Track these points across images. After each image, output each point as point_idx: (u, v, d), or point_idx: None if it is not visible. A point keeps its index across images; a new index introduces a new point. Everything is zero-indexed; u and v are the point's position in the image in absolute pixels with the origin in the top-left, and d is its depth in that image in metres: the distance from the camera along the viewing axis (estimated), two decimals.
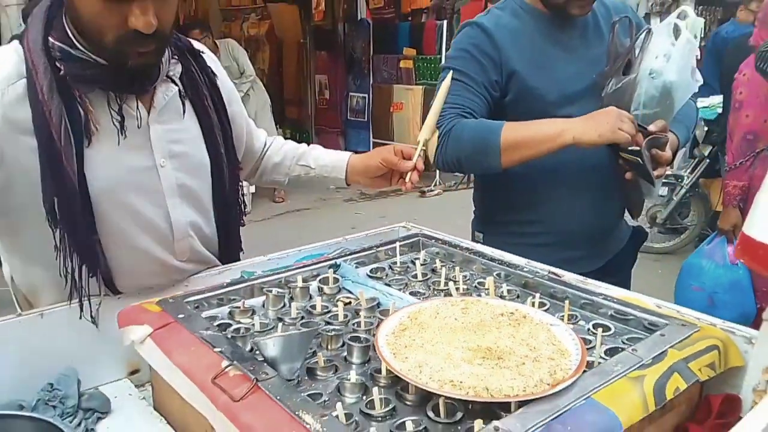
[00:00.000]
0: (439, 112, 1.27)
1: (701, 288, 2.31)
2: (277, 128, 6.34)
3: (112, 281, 1.06)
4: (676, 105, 1.25)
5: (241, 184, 1.23)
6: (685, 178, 3.94)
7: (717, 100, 3.58)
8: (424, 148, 1.25)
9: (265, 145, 1.37)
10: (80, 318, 1.01)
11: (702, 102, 3.78)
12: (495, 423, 0.64)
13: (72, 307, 1.02)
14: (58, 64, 0.95)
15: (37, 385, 0.95)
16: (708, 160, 3.81)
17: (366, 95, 6.98)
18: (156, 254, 1.09)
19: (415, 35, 6.73)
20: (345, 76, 7.22)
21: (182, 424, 0.89)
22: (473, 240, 1.49)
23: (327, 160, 1.33)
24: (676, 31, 1.22)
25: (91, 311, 1.02)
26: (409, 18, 7.16)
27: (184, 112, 1.10)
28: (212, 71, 1.16)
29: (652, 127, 1.20)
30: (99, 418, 0.94)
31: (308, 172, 1.34)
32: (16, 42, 0.99)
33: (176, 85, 1.09)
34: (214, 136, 1.13)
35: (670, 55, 1.21)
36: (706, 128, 3.79)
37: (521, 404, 0.68)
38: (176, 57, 1.10)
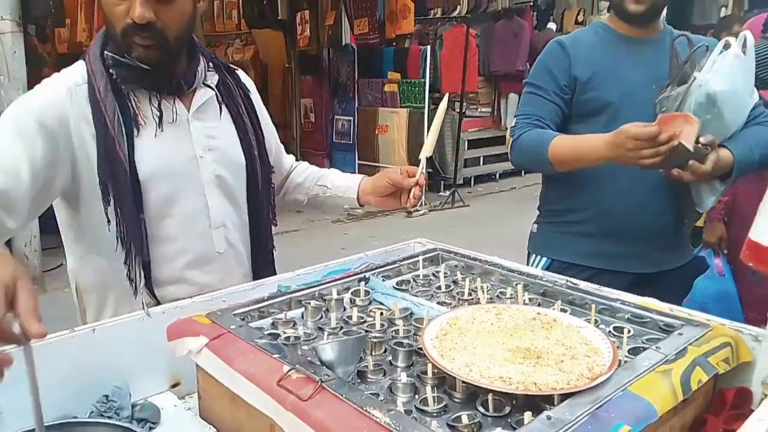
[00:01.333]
0: (438, 130, 1.37)
1: (690, 299, 2.41)
2: None
3: (149, 269, 1.17)
4: (726, 116, 1.35)
5: (273, 186, 1.36)
6: None
7: None
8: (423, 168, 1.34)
9: (291, 166, 1.48)
10: (135, 297, 1.16)
11: None
12: (547, 413, 0.71)
13: (119, 322, 1.07)
14: (111, 70, 1.15)
15: (85, 398, 0.99)
16: None
17: (351, 118, 7.10)
18: (194, 242, 1.21)
19: (400, 60, 6.89)
20: (330, 100, 7.33)
21: (234, 428, 0.94)
22: (531, 231, 1.65)
23: (342, 182, 1.46)
24: (726, 47, 1.34)
25: (140, 282, 1.16)
26: (394, 43, 7.32)
27: (221, 113, 1.26)
28: (246, 87, 1.33)
29: (702, 139, 1.31)
30: (151, 428, 0.98)
31: (325, 192, 1.46)
32: (80, 61, 1.19)
33: (212, 90, 1.25)
34: (249, 139, 1.28)
35: (717, 67, 1.33)
36: None
37: (564, 398, 0.75)
38: (212, 69, 1.28)
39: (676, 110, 1.36)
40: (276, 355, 0.85)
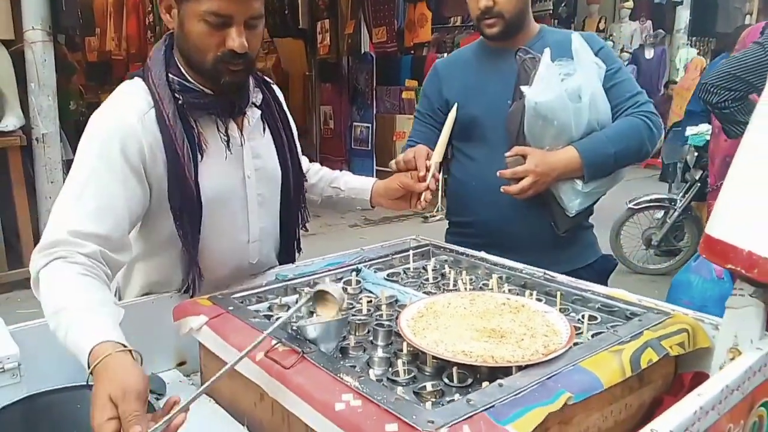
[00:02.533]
0: (447, 137, 1.46)
1: (691, 302, 2.45)
2: None
3: (195, 286, 1.23)
4: (556, 122, 1.39)
5: (305, 191, 1.43)
6: (678, 201, 4.10)
7: (705, 127, 3.77)
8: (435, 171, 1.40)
9: (306, 168, 1.54)
10: (188, 293, 1.23)
11: (691, 130, 3.98)
12: (500, 381, 0.79)
13: (132, 304, 1.18)
14: (176, 95, 1.17)
15: None
16: (699, 184, 3.98)
17: (369, 125, 7.20)
18: (232, 255, 1.28)
19: (417, 67, 6.98)
20: (349, 107, 7.45)
21: (230, 400, 1.04)
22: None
23: (355, 183, 1.52)
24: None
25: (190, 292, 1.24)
26: (411, 51, 7.42)
27: (264, 131, 1.31)
28: (280, 99, 1.38)
29: (507, 154, 1.43)
30: (157, 399, 1.08)
31: (339, 193, 1.52)
32: (138, 80, 1.20)
33: (259, 109, 1.30)
34: (285, 151, 1.34)
35: (537, 79, 1.38)
36: (696, 154, 3.98)
37: (520, 370, 0.83)
38: (257, 87, 1.31)
39: (518, 126, 1.43)
40: (266, 332, 0.95)
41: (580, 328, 1.01)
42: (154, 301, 1.20)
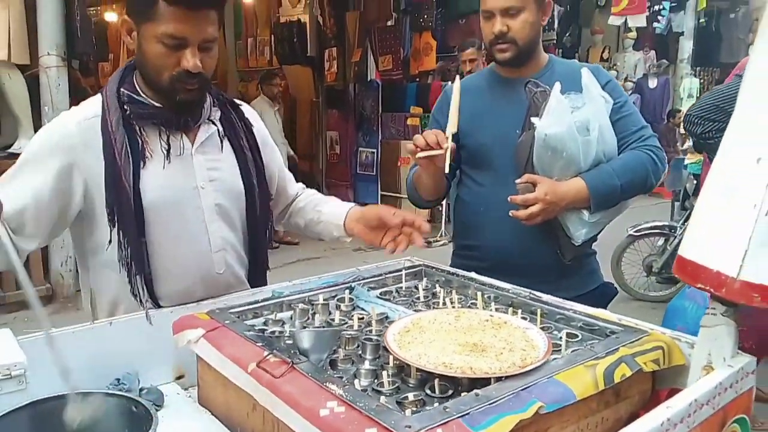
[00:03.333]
0: (457, 109, 1.51)
1: (685, 327, 2.44)
2: None
3: (152, 286, 1.30)
4: (565, 153, 1.45)
5: (270, 211, 1.49)
6: (678, 228, 4.13)
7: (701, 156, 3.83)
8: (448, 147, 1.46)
9: (297, 193, 1.61)
10: (142, 311, 1.27)
11: (690, 158, 4.04)
12: (477, 391, 0.83)
13: (133, 318, 1.23)
14: (125, 106, 1.28)
15: (100, 381, 1.14)
16: None
17: (375, 150, 7.31)
18: (196, 263, 1.34)
19: (422, 95, 7.12)
20: (355, 133, 7.58)
21: (225, 411, 1.08)
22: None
23: (334, 208, 1.53)
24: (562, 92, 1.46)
25: (143, 296, 1.30)
26: (417, 79, 7.57)
27: (222, 147, 1.39)
28: (249, 120, 1.46)
29: (518, 180, 1.49)
30: (156, 410, 1.12)
31: (319, 217, 1.54)
32: (99, 95, 1.33)
33: (215, 125, 1.38)
34: (248, 169, 1.41)
35: (548, 111, 1.44)
36: (695, 182, 4.03)
37: (498, 381, 0.87)
38: (217, 106, 1.41)
39: (528, 156, 1.49)
40: (259, 344, 1.00)
41: (559, 345, 1.05)
42: (154, 315, 1.25)
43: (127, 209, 1.25)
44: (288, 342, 1.07)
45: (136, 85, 1.31)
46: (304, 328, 1.13)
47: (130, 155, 1.25)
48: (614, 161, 1.54)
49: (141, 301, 1.30)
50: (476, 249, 1.67)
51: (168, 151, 1.31)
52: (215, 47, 1.27)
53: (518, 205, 1.49)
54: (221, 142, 1.39)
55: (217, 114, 1.40)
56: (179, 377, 1.28)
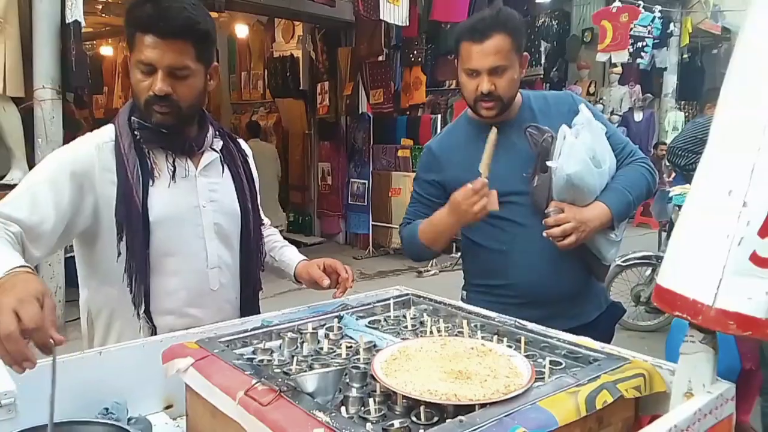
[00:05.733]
0: (491, 155, 1.53)
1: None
2: (281, 211, 6.65)
3: (149, 298, 1.37)
4: (586, 188, 1.55)
5: (262, 236, 1.60)
6: None
7: (689, 187, 3.89)
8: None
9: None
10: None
11: (675, 190, 4.10)
12: (461, 417, 0.85)
13: (123, 348, 1.24)
14: (135, 132, 1.40)
15: (89, 410, 1.14)
16: None
17: (366, 181, 7.38)
18: (192, 278, 1.42)
19: (412, 127, 7.23)
20: (346, 164, 7.66)
21: None
22: (461, 298, 1.76)
23: (286, 257, 1.66)
24: (564, 136, 1.55)
25: (140, 308, 1.39)
26: (407, 112, 7.69)
27: (222, 172, 1.51)
28: (245, 152, 1.61)
29: (548, 209, 1.56)
30: None
31: (273, 262, 1.69)
32: (111, 124, 1.44)
33: (217, 153, 1.51)
34: (244, 194, 1.52)
35: (564, 152, 1.52)
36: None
37: (482, 408, 0.89)
38: (219, 137, 1.54)
39: (547, 196, 1.57)
40: (247, 373, 1.01)
41: (543, 372, 1.07)
42: (144, 345, 1.26)
43: (135, 222, 1.35)
44: (276, 371, 1.08)
45: (143, 114, 1.41)
46: (293, 357, 1.15)
47: (140, 174, 1.37)
48: (620, 179, 1.65)
49: (138, 312, 1.38)
50: (504, 288, 1.69)
51: (174, 172, 1.42)
52: (189, 75, 1.35)
53: (548, 233, 1.56)
54: (222, 167, 1.51)
55: (219, 144, 1.53)
56: (168, 407, 1.28)
